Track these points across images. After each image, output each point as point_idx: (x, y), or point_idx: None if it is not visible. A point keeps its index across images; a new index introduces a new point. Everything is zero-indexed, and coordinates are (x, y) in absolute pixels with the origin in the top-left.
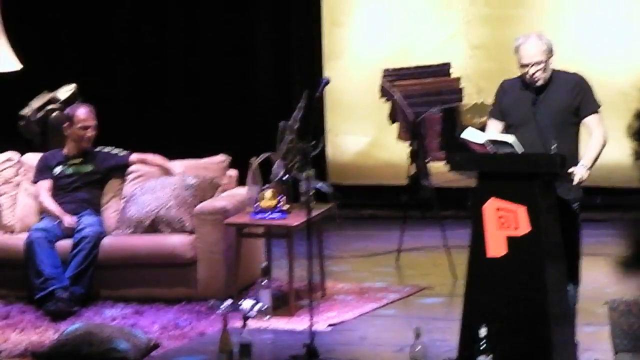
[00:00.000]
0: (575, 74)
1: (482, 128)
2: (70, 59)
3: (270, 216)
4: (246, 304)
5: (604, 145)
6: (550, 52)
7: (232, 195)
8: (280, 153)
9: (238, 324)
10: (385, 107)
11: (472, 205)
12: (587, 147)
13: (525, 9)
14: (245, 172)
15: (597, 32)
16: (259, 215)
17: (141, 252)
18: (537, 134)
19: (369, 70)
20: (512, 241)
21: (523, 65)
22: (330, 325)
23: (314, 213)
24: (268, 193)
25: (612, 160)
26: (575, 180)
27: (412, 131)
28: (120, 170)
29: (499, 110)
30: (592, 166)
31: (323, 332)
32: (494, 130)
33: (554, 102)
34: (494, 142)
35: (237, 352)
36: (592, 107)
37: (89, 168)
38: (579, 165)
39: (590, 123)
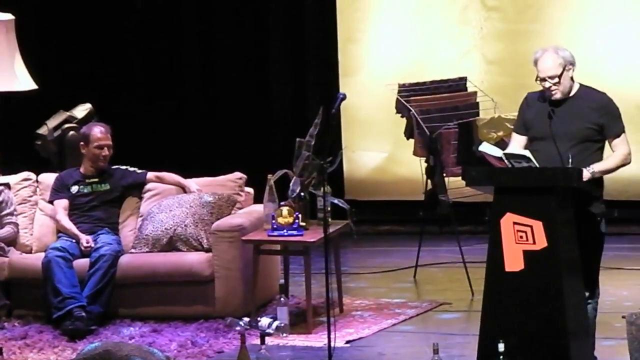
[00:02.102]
0: (603, 95)
1: (498, 143)
2: (86, 78)
3: (288, 233)
4: (264, 321)
5: (622, 163)
6: (569, 65)
7: (249, 213)
8: (297, 170)
9: (256, 341)
10: (402, 122)
11: (489, 220)
12: (608, 158)
13: (541, 24)
14: (262, 189)
15: (613, 47)
16: (276, 232)
17: (159, 270)
18: (555, 146)
19: (384, 86)
20: (529, 256)
21: (540, 79)
22: (348, 341)
23: (331, 229)
24: (285, 210)
25: (630, 173)
26: None
27: (428, 146)
28: (137, 188)
29: (522, 123)
30: (599, 175)
31: (341, 349)
32: (517, 144)
33: (572, 117)
34: (510, 157)
35: None
36: (615, 130)
37: (106, 187)
38: (587, 168)
39: (615, 145)
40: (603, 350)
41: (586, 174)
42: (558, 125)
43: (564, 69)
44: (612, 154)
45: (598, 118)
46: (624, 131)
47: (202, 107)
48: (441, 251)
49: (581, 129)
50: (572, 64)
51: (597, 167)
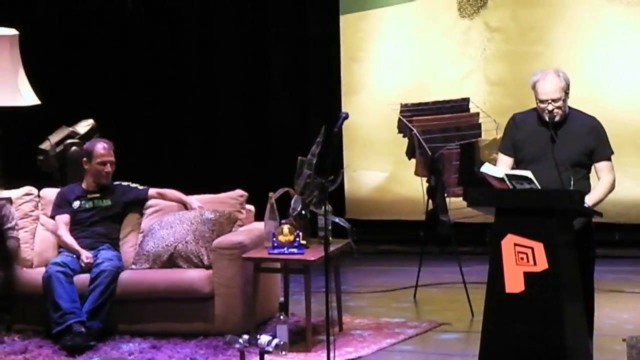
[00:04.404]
0: (593, 118)
1: None
2: (89, 94)
3: (288, 251)
4: (263, 339)
5: (610, 191)
6: (567, 89)
7: (249, 230)
8: (299, 188)
9: (255, 359)
10: (403, 142)
11: (489, 240)
12: (595, 188)
13: (544, 46)
14: (263, 207)
15: (615, 70)
16: (277, 250)
17: (159, 287)
18: (555, 170)
19: (387, 106)
20: (529, 277)
21: (541, 101)
22: None
23: (332, 248)
24: (286, 228)
25: (630, 196)
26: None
27: (430, 167)
28: (138, 204)
29: (510, 144)
30: (594, 206)
31: None
32: (504, 165)
33: (571, 141)
34: (512, 178)
35: None
36: (606, 153)
37: (107, 202)
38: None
39: (601, 169)
40: None
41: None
42: (560, 148)
43: (565, 93)
44: (599, 182)
45: (590, 142)
46: (611, 157)
47: (204, 125)
48: (441, 271)
49: (575, 154)
50: (569, 87)
51: (590, 200)
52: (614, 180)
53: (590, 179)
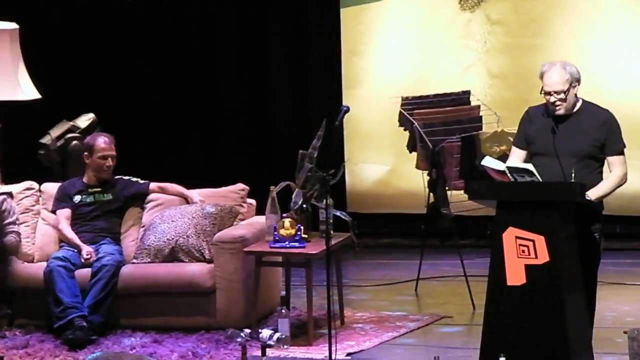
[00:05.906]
0: (606, 111)
1: (501, 157)
2: (89, 88)
3: (289, 245)
4: (265, 332)
5: (620, 184)
6: (575, 81)
7: (251, 224)
8: (300, 182)
9: (257, 352)
10: (404, 135)
11: (491, 233)
12: (602, 182)
13: (544, 38)
14: (264, 201)
15: (617, 62)
16: (278, 244)
17: (160, 281)
18: (558, 162)
19: (388, 99)
20: (531, 270)
21: (545, 93)
22: (349, 354)
23: (333, 242)
24: (287, 222)
25: (632, 189)
26: None
27: (431, 160)
28: (139, 198)
29: (523, 138)
30: (596, 201)
31: None
32: (517, 158)
33: (577, 134)
34: (513, 170)
35: None
36: (617, 146)
37: (108, 197)
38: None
39: (612, 162)
40: None
41: (585, 200)
42: (562, 141)
43: (570, 86)
44: (608, 176)
45: (601, 134)
46: (623, 151)
47: (205, 118)
48: (443, 264)
49: (585, 146)
50: (578, 80)
51: (592, 194)
52: (624, 174)
53: (602, 172)
